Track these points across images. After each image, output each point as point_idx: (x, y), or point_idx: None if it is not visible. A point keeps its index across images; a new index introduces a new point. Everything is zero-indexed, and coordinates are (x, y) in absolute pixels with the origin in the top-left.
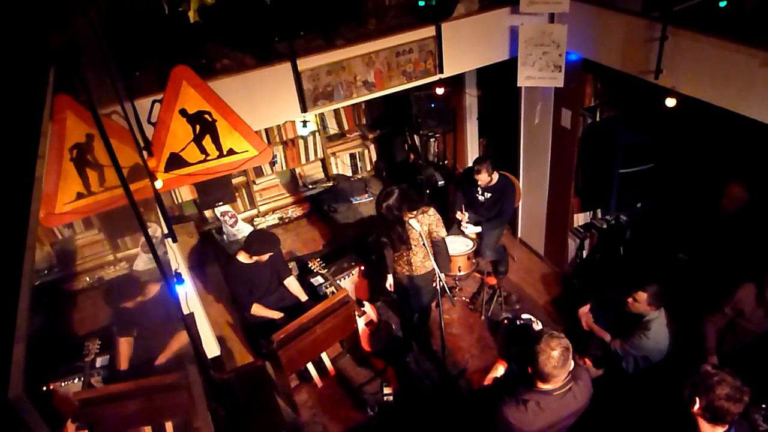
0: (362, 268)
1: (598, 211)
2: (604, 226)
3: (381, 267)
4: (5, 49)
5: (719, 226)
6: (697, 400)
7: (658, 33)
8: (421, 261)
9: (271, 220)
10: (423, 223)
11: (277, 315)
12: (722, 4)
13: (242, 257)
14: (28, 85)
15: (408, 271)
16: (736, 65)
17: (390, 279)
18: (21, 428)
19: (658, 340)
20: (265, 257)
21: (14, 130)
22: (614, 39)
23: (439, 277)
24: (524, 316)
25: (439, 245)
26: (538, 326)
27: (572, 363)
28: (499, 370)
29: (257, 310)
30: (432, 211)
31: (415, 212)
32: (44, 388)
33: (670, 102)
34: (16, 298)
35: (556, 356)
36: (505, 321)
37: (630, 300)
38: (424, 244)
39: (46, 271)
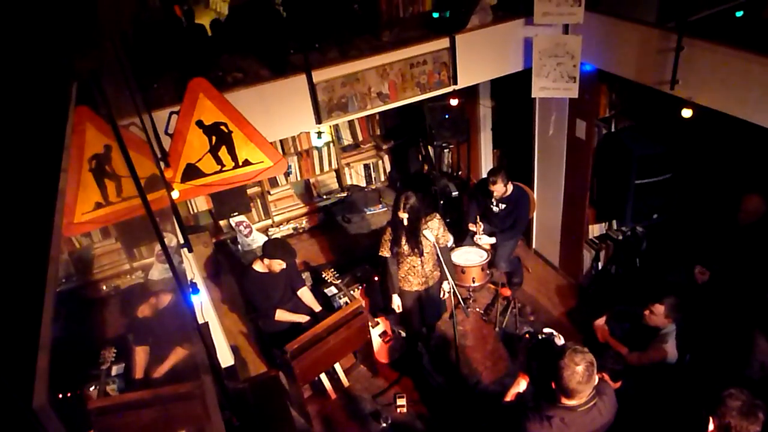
0: (364, 286)
1: (614, 222)
2: (620, 237)
3: (382, 286)
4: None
5: (737, 237)
6: (711, 419)
7: (674, 43)
8: (431, 270)
9: (286, 230)
10: (433, 229)
11: (302, 318)
12: (739, 14)
13: (258, 266)
14: (51, 101)
15: (420, 285)
16: (753, 75)
17: (396, 299)
18: None
19: (675, 354)
20: (277, 269)
21: (38, 144)
22: (629, 49)
23: (453, 288)
24: (546, 330)
25: (445, 253)
26: (560, 341)
27: (596, 378)
28: (522, 385)
29: (281, 315)
30: (437, 216)
31: (425, 219)
32: (77, 393)
33: (686, 112)
34: (40, 307)
35: (580, 371)
36: (527, 335)
37: (647, 312)
38: (434, 253)
39: (64, 280)
